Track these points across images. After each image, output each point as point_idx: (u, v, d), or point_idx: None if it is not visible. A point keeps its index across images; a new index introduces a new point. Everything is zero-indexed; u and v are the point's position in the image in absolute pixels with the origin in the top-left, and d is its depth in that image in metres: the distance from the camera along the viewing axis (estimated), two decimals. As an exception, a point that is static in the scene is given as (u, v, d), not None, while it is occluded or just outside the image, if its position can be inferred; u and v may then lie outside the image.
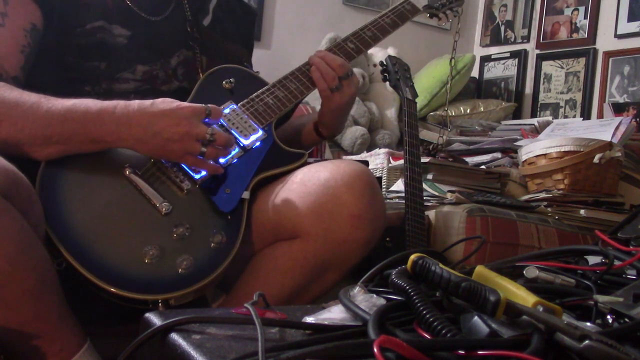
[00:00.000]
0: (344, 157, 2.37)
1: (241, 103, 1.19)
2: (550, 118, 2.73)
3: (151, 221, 1.01)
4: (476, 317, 0.59)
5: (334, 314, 0.69)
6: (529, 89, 3.30)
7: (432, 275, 0.66)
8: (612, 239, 0.90)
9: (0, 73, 1.03)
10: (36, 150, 0.97)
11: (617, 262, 0.83)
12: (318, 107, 1.31)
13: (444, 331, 0.57)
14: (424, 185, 1.65)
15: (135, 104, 0.99)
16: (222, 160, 1.09)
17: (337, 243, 1.06)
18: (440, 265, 0.66)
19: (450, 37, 2.76)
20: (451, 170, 1.82)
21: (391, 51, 2.76)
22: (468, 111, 2.93)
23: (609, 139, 1.89)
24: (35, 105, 0.96)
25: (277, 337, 0.66)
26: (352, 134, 2.53)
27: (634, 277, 0.82)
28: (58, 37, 1.10)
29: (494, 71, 3.47)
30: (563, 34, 3.19)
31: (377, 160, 1.99)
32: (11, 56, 1.05)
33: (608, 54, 2.97)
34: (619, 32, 2.93)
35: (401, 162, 1.82)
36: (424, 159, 1.75)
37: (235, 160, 1.12)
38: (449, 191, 1.71)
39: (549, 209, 1.77)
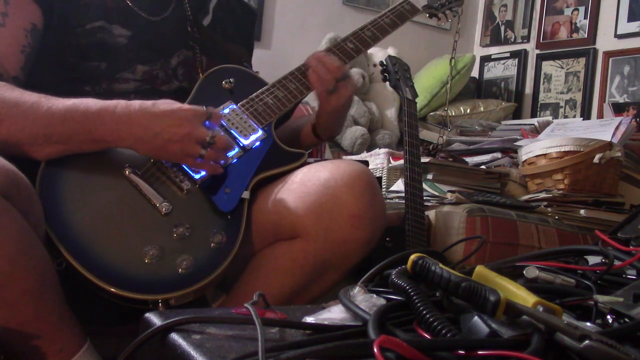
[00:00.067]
0: (344, 157, 2.37)
1: (241, 103, 1.19)
2: (550, 118, 2.73)
3: (151, 221, 1.01)
4: (476, 317, 0.59)
5: (334, 314, 0.69)
6: (529, 89, 3.31)
7: (432, 275, 0.66)
8: (612, 239, 0.90)
9: (1, 73, 1.03)
10: (36, 149, 0.97)
11: (617, 262, 0.83)
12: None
13: (444, 331, 0.57)
14: (424, 185, 1.65)
15: (137, 104, 1.00)
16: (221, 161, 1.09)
17: (337, 243, 1.06)
18: (440, 265, 0.66)
19: (450, 37, 2.76)
20: (451, 170, 1.82)
21: (391, 51, 2.76)
22: (468, 111, 2.93)
23: (609, 139, 1.89)
24: (36, 104, 0.96)
25: (277, 337, 0.66)
26: (352, 134, 2.53)
27: (634, 277, 0.82)
28: (58, 37, 1.10)
29: (494, 71, 3.47)
30: (563, 34, 3.19)
31: (377, 160, 1.99)
32: (12, 56, 1.05)
33: (608, 54, 2.97)
34: (619, 32, 2.93)
35: (401, 162, 1.82)
36: (424, 159, 1.75)
37: (235, 160, 1.12)
38: (449, 191, 1.71)
39: (549, 209, 1.77)
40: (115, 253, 0.97)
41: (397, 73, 1.67)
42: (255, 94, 1.21)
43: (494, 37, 3.53)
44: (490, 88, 3.46)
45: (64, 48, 1.11)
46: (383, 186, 1.90)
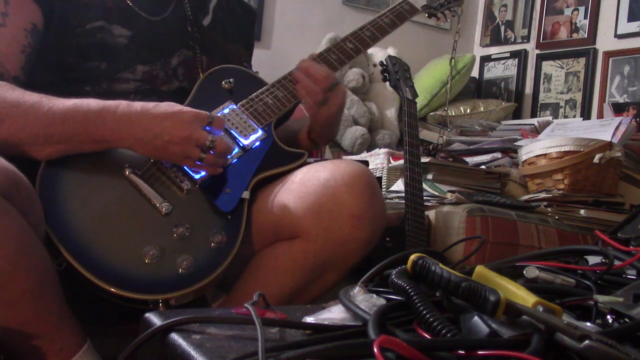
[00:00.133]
0: (344, 157, 2.37)
1: (241, 103, 1.19)
2: (550, 118, 2.73)
3: (151, 221, 1.01)
4: (476, 317, 0.59)
5: (334, 314, 0.69)
6: (529, 89, 3.31)
7: (432, 275, 0.66)
8: (612, 239, 0.90)
9: (2, 73, 1.03)
10: (37, 149, 0.97)
11: (617, 262, 0.83)
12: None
13: (444, 331, 0.57)
14: (424, 185, 1.65)
15: (138, 105, 1.00)
16: (221, 160, 1.09)
17: (337, 243, 1.06)
18: (440, 265, 0.66)
19: (450, 37, 2.76)
20: (451, 170, 1.82)
21: (391, 51, 2.76)
22: (468, 111, 2.93)
23: (609, 139, 1.89)
24: (37, 104, 0.96)
25: (277, 337, 0.66)
26: (352, 134, 2.53)
27: (634, 277, 0.82)
28: (58, 37, 1.10)
29: (494, 71, 3.47)
30: (563, 34, 3.19)
31: (377, 160, 1.99)
32: (12, 56, 1.05)
33: (608, 54, 2.97)
34: (619, 32, 2.93)
35: (401, 162, 1.82)
36: (424, 159, 1.75)
37: (235, 160, 1.12)
38: (449, 191, 1.71)
39: (549, 209, 1.77)
40: (116, 253, 0.97)
41: (397, 73, 1.67)
42: (255, 94, 1.21)
43: (494, 37, 3.53)
44: (490, 88, 3.46)
45: (64, 48, 1.11)
46: (383, 186, 1.90)
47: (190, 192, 1.06)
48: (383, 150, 2.02)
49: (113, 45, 1.13)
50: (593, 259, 0.90)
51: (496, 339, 0.56)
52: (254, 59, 1.42)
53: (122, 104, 0.99)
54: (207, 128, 1.02)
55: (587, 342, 0.54)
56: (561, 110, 3.14)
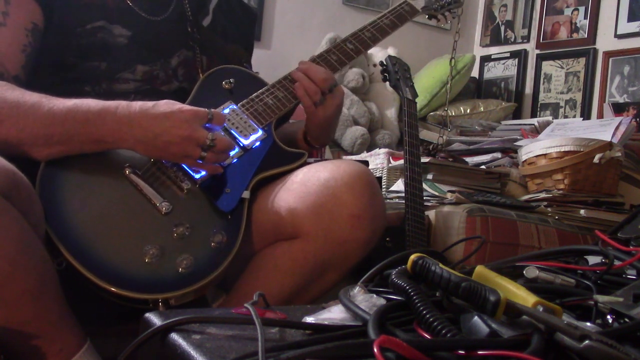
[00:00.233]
0: (344, 157, 2.37)
1: (241, 103, 1.19)
2: (550, 118, 2.72)
3: (151, 221, 1.01)
4: (476, 317, 0.59)
5: (334, 314, 0.69)
6: (529, 89, 3.30)
7: (432, 275, 0.66)
8: (612, 239, 0.90)
9: (2, 72, 1.03)
10: (37, 150, 0.97)
11: (617, 262, 0.83)
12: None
13: (444, 331, 0.57)
14: (424, 185, 1.65)
15: (138, 105, 1.00)
16: (221, 160, 1.09)
17: (337, 243, 1.06)
18: (440, 265, 0.66)
19: (450, 37, 2.76)
20: (451, 170, 1.82)
21: (391, 51, 2.76)
22: (468, 111, 2.93)
23: (609, 139, 1.89)
24: (37, 104, 0.96)
25: (277, 337, 0.66)
26: (352, 134, 2.53)
27: (634, 277, 0.82)
28: (58, 37, 1.10)
29: (494, 71, 3.47)
30: (563, 34, 3.19)
31: (377, 160, 1.99)
32: (12, 55, 1.05)
33: (608, 54, 2.97)
34: (619, 32, 2.93)
35: (401, 162, 1.82)
36: (424, 159, 1.75)
37: (235, 160, 1.12)
38: (449, 191, 1.71)
39: (549, 209, 1.77)
40: (116, 253, 0.97)
41: (397, 73, 1.67)
42: (255, 94, 1.21)
43: (494, 37, 3.53)
44: (490, 88, 3.46)
45: (64, 48, 1.11)
46: (383, 186, 1.90)
47: (191, 192, 1.06)
48: (383, 150, 2.02)
49: (113, 45, 1.13)
50: (593, 259, 0.90)
51: (496, 339, 0.56)
52: (254, 59, 1.42)
53: (121, 105, 0.99)
54: (207, 125, 1.02)
55: (587, 342, 0.54)
56: (561, 110, 3.14)
